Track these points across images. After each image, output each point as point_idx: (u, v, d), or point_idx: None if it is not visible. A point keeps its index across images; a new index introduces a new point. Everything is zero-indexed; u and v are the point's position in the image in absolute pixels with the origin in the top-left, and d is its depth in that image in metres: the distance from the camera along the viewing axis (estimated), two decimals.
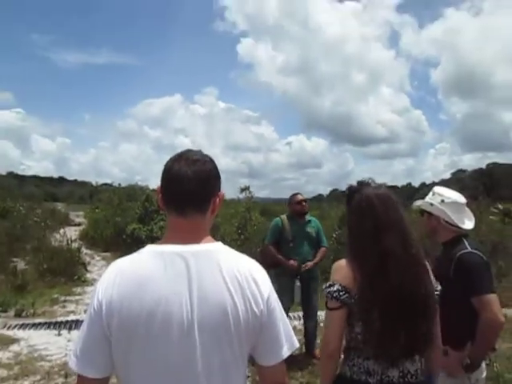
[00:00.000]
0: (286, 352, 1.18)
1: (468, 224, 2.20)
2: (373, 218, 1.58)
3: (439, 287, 1.68)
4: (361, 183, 1.72)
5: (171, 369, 1.07)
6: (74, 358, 1.10)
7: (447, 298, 2.07)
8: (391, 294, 1.50)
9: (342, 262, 1.63)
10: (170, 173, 1.16)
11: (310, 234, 4.68)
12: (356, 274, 1.56)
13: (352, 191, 1.71)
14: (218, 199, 1.21)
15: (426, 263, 1.64)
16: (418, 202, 2.36)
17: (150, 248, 1.15)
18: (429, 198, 2.27)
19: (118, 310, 1.06)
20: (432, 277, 1.66)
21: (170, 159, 1.20)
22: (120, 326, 1.06)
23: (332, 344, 1.56)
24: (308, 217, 4.79)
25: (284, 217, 4.77)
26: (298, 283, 4.44)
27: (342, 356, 1.64)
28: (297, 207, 4.70)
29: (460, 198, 2.23)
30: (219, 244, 1.18)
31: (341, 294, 1.55)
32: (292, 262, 4.46)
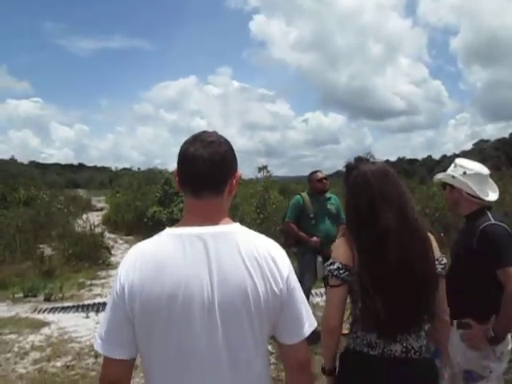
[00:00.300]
0: (307, 330, 1.19)
1: (492, 196, 2.15)
2: (369, 194, 1.57)
3: (444, 261, 1.65)
4: (358, 159, 1.70)
5: (193, 350, 1.08)
6: (99, 341, 1.12)
7: (471, 270, 2.05)
8: (389, 270, 1.50)
9: (342, 240, 1.63)
10: (186, 155, 1.16)
11: (330, 211, 4.65)
12: (354, 252, 1.56)
13: (349, 168, 1.69)
14: (234, 180, 1.20)
15: (429, 237, 1.61)
16: (440, 175, 2.31)
17: (168, 231, 1.16)
18: (450, 171, 2.22)
19: (140, 294, 1.07)
20: (436, 251, 1.63)
21: (186, 141, 1.19)
22: (142, 310, 1.07)
23: (332, 320, 1.58)
24: (328, 194, 4.75)
25: (304, 194, 4.72)
26: (319, 259, 4.42)
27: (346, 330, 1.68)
28: (318, 185, 4.65)
29: (483, 169, 2.17)
30: (237, 225, 1.18)
31: (341, 272, 1.57)
32: (315, 238, 4.43)
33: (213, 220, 1.14)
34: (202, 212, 1.15)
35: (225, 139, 1.21)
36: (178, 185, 1.20)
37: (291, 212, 4.71)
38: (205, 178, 1.14)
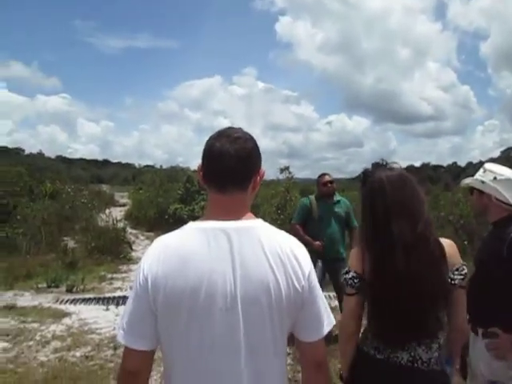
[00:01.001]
0: (326, 328, 1.19)
1: None
2: (383, 202, 1.54)
3: (465, 270, 1.58)
4: (376, 165, 1.67)
5: (214, 344, 1.08)
6: (121, 332, 1.13)
7: (497, 277, 1.98)
8: (398, 279, 1.48)
9: (358, 248, 1.62)
10: (212, 150, 1.16)
11: (338, 214, 4.60)
12: (366, 259, 1.55)
13: (366, 174, 1.66)
14: (258, 177, 1.21)
15: (443, 247, 1.56)
16: (468, 180, 2.24)
17: (192, 225, 1.16)
18: (479, 176, 2.15)
19: (164, 286, 1.08)
20: (455, 259, 1.58)
21: (211, 137, 1.19)
22: (165, 302, 1.08)
23: (349, 328, 1.59)
24: (337, 197, 4.71)
25: (312, 197, 4.71)
26: (319, 263, 4.38)
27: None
28: (323, 189, 4.62)
29: None
30: (260, 221, 1.18)
31: (355, 280, 1.57)
32: (318, 242, 4.39)
33: (236, 215, 1.15)
34: (226, 207, 1.15)
35: (250, 136, 1.21)
36: (202, 179, 1.20)
37: (298, 214, 4.72)
38: (230, 173, 1.14)
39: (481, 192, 2.15)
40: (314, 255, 4.49)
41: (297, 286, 1.12)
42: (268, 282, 1.09)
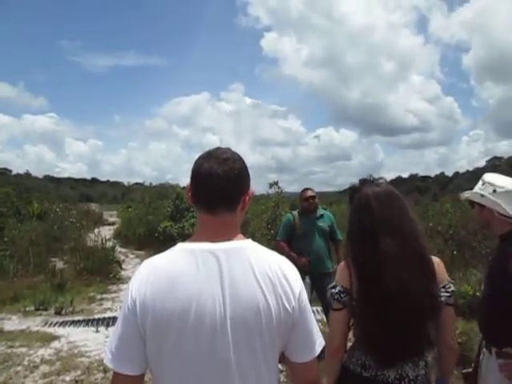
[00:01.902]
0: (317, 349, 1.19)
1: None
2: (369, 218, 1.54)
3: (452, 288, 1.59)
4: (363, 181, 1.68)
5: (204, 366, 1.07)
6: (109, 355, 1.11)
7: (506, 294, 1.85)
8: (386, 297, 1.47)
9: (344, 263, 1.62)
10: (200, 171, 1.16)
11: (322, 228, 4.58)
12: (353, 275, 1.55)
13: (353, 190, 1.67)
14: (247, 197, 1.21)
15: (432, 263, 1.55)
16: (467, 194, 2.11)
17: (181, 246, 1.16)
18: (479, 188, 2.03)
19: (152, 309, 1.07)
20: (443, 277, 1.58)
21: (200, 157, 1.19)
22: (154, 324, 1.07)
23: (335, 342, 1.58)
24: (320, 211, 4.69)
25: (295, 213, 4.68)
26: (307, 280, 4.35)
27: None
28: (304, 204, 4.59)
29: None
30: (249, 241, 1.18)
31: (342, 295, 1.57)
32: (304, 259, 4.34)
33: (226, 236, 1.14)
34: (215, 228, 1.15)
35: (239, 156, 1.21)
36: (192, 200, 1.20)
37: (282, 231, 4.68)
38: (219, 194, 1.14)
39: (482, 206, 2.02)
40: (301, 272, 4.44)
41: (287, 306, 1.11)
42: (258, 303, 1.08)
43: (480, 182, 2.05)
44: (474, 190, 2.05)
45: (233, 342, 1.07)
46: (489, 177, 2.04)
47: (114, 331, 1.14)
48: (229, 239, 1.14)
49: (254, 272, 1.10)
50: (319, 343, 1.19)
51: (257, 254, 1.15)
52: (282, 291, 1.11)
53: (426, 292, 1.50)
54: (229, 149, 1.23)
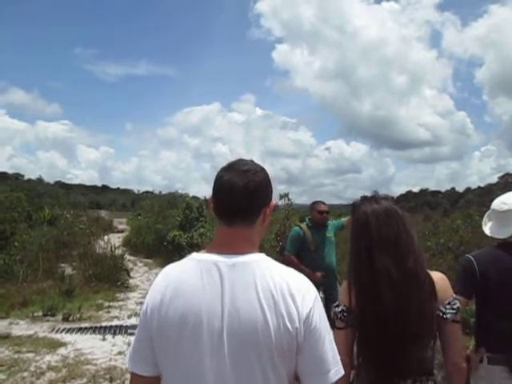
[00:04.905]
0: (333, 376, 1.09)
1: (496, 232, 2.09)
2: (367, 237, 1.53)
3: (457, 304, 1.54)
4: (364, 198, 1.66)
5: (201, 380, 1.06)
6: (128, 357, 1.17)
7: None
8: (382, 316, 1.46)
9: (346, 282, 1.62)
10: (220, 183, 1.16)
11: (331, 239, 4.55)
12: (352, 295, 1.55)
13: (354, 207, 1.66)
14: (268, 209, 1.19)
15: (431, 281, 1.52)
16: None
17: (193, 255, 1.17)
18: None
19: (157, 316, 1.09)
20: (447, 293, 1.54)
21: (222, 169, 1.19)
22: (158, 330, 1.09)
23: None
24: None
25: (304, 225, 4.57)
26: (321, 294, 4.29)
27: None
28: (317, 216, 4.50)
29: (499, 206, 2.10)
30: (261, 255, 1.15)
31: (344, 314, 1.56)
32: (319, 274, 4.24)
33: (237, 249, 1.13)
34: (227, 240, 1.14)
35: (261, 168, 1.20)
36: (214, 212, 1.20)
37: (291, 245, 4.54)
38: (238, 206, 1.13)
39: None
40: (315, 287, 4.40)
41: (289, 327, 1.05)
42: (256, 321, 1.05)
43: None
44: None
45: (229, 357, 1.05)
46: (502, 197, 2.15)
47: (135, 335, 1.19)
48: (240, 252, 1.12)
49: (257, 289, 1.07)
50: (335, 372, 1.09)
51: (264, 270, 1.11)
52: (285, 311, 1.06)
53: (426, 314, 1.48)
54: (251, 161, 1.22)
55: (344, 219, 4.92)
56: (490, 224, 2.15)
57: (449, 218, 14.27)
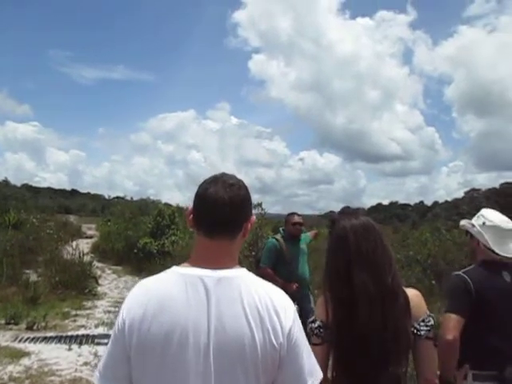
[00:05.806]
0: None
1: (507, 250, 2.08)
2: (344, 252, 1.54)
3: (431, 322, 1.55)
4: (342, 213, 1.68)
5: None
6: (97, 374, 1.12)
7: None
8: (359, 332, 1.46)
9: (323, 297, 1.61)
10: (206, 196, 1.15)
11: (304, 251, 4.61)
12: (329, 311, 1.54)
13: (332, 221, 1.66)
14: (249, 224, 1.20)
15: (406, 299, 1.53)
16: (463, 222, 2.31)
17: (175, 269, 1.15)
18: (474, 220, 2.23)
19: (138, 331, 1.06)
20: (421, 310, 1.55)
21: (205, 181, 1.19)
22: (138, 346, 1.06)
23: None
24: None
25: (279, 238, 4.57)
26: (296, 306, 4.30)
27: None
28: (291, 228, 4.54)
29: (503, 223, 2.13)
30: (243, 270, 1.16)
31: (321, 330, 1.55)
32: (293, 285, 4.25)
33: (220, 263, 1.12)
34: (211, 253, 1.14)
35: (243, 183, 1.21)
36: (192, 223, 1.18)
37: (267, 257, 4.51)
38: (222, 220, 1.13)
39: (472, 235, 2.21)
40: (291, 298, 4.43)
41: (274, 342, 1.07)
42: (243, 336, 1.05)
43: (477, 214, 2.24)
44: (471, 220, 2.24)
45: (215, 373, 1.04)
46: (485, 211, 2.24)
47: (105, 350, 1.14)
48: (224, 267, 1.12)
49: (243, 304, 1.07)
50: (312, 382, 1.12)
51: (248, 285, 1.12)
52: (271, 326, 1.07)
53: (398, 329, 1.49)
54: (234, 175, 1.23)
55: (309, 233, 5.09)
56: (494, 239, 2.10)
57: (417, 230, 14.61)
